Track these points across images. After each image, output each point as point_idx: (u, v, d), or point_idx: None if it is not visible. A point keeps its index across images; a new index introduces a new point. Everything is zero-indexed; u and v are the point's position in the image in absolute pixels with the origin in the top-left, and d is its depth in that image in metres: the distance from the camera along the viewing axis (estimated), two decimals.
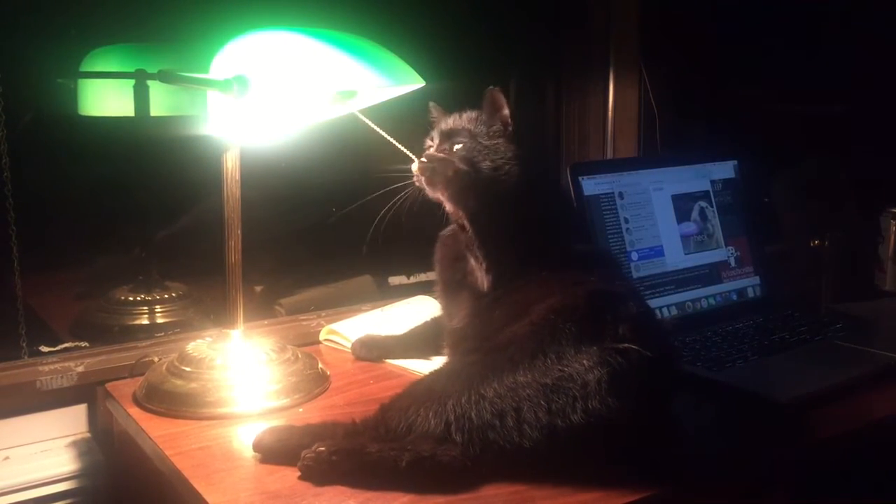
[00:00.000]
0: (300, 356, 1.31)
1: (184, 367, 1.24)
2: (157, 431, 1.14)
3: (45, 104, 1.43)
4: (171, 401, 1.20)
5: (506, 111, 1.21)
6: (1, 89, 1.35)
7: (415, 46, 1.27)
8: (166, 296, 1.61)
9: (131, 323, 1.57)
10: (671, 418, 1.09)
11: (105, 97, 1.35)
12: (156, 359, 1.31)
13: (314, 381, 1.27)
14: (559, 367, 0.98)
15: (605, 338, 1.00)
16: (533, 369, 0.98)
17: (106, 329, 1.54)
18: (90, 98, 1.37)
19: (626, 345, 1.00)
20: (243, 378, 1.23)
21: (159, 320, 1.58)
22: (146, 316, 1.58)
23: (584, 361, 0.98)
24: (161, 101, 1.39)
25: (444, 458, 0.97)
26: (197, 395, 1.20)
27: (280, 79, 1.10)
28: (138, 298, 1.59)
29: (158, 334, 1.53)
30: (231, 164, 1.22)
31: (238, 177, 1.24)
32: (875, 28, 2.10)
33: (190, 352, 1.27)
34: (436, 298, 1.35)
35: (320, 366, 1.33)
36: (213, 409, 1.19)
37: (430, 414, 0.99)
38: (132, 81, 1.39)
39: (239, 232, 1.25)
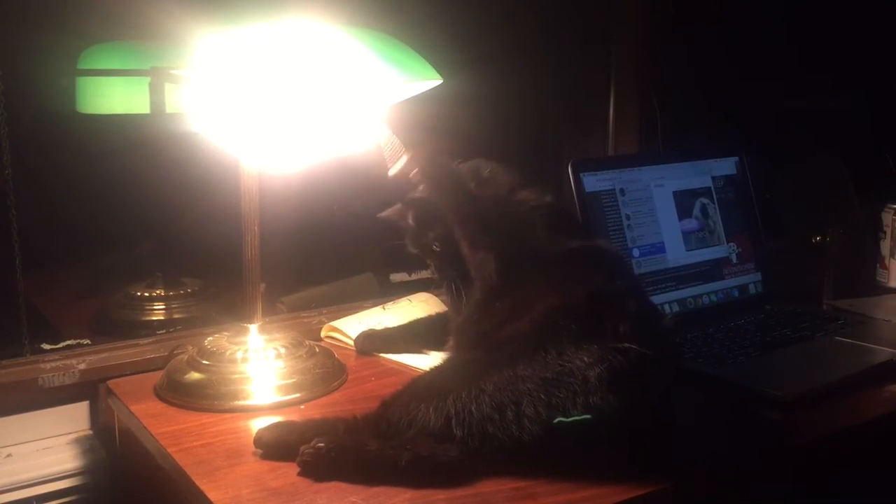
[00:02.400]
0: (317, 351, 1.32)
1: (202, 360, 1.25)
2: (158, 428, 1.14)
3: (47, 102, 1.43)
4: (186, 392, 1.22)
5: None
6: (2, 87, 1.35)
7: (422, 42, 1.27)
8: (182, 291, 1.62)
9: (148, 318, 1.58)
10: (672, 415, 1.09)
11: (106, 95, 1.35)
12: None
13: (331, 376, 1.28)
14: (559, 363, 0.98)
15: (606, 336, 1.00)
16: (533, 364, 0.98)
17: (123, 324, 1.56)
18: (90, 96, 1.37)
19: (626, 344, 1.00)
20: (257, 371, 1.23)
21: (176, 315, 1.59)
22: (163, 312, 1.59)
23: (585, 358, 0.98)
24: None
25: (443, 458, 0.97)
26: (210, 385, 1.21)
27: (292, 71, 1.09)
28: (155, 294, 1.60)
29: (171, 329, 1.54)
30: (248, 160, 1.23)
31: (255, 173, 1.24)
32: (877, 23, 2.09)
33: (208, 345, 1.28)
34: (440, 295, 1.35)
35: (336, 360, 1.33)
36: (225, 402, 1.19)
37: (431, 409, 0.99)
38: (133, 79, 1.39)
39: (256, 228, 1.26)
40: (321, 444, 0.99)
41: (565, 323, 1.01)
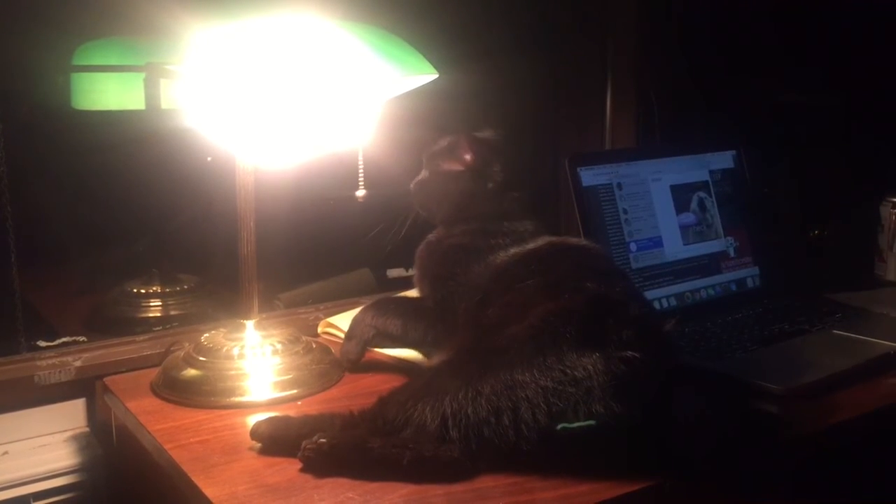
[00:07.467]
0: (314, 347, 1.32)
1: (199, 357, 1.25)
2: (155, 425, 1.14)
3: (42, 99, 1.43)
4: (182, 389, 1.22)
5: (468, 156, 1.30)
6: None
7: (419, 36, 1.27)
8: (178, 288, 1.61)
9: (144, 315, 1.58)
10: (671, 414, 1.08)
11: (101, 91, 1.35)
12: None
13: (328, 372, 1.28)
14: (560, 369, 0.97)
15: (608, 344, 0.99)
16: (532, 368, 0.97)
17: (119, 321, 1.55)
18: (85, 92, 1.36)
19: (629, 352, 0.98)
20: (254, 368, 1.23)
21: (172, 312, 1.59)
22: (159, 308, 1.58)
23: (589, 367, 0.97)
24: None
25: (445, 459, 0.97)
26: (207, 382, 1.21)
27: (287, 67, 1.09)
28: (151, 291, 1.59)
29: (167, 326, 1.54)
30: (244, 156, 1.23)
31: (251, 168, 1.24)
32: (874, 16, 2.09)
33: (204, 342, 1.28)
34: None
35: (333, 356, 1.33)
36: (222, 398, 1.19)
37: (427, 409, 0.99)
38: (128, 75, 1.39)
39: (252, 224, 1.26)
40: (323, 441, 0.99)
41: (564, 329, 1.00)
